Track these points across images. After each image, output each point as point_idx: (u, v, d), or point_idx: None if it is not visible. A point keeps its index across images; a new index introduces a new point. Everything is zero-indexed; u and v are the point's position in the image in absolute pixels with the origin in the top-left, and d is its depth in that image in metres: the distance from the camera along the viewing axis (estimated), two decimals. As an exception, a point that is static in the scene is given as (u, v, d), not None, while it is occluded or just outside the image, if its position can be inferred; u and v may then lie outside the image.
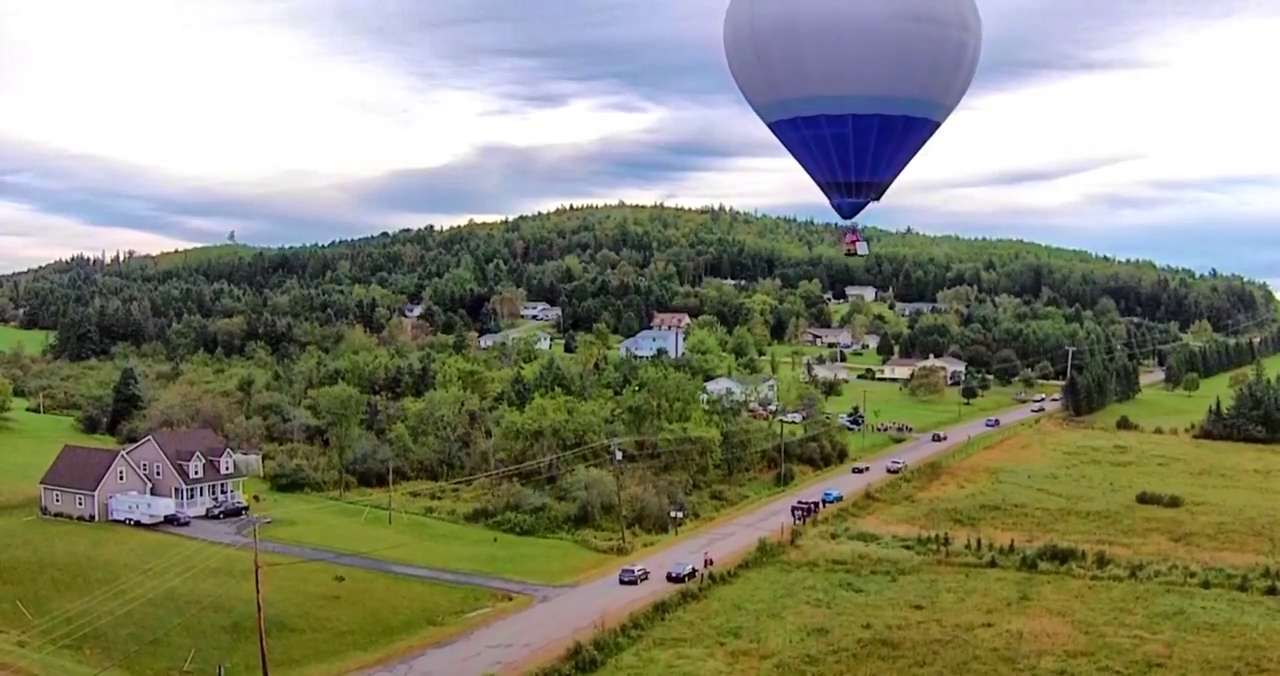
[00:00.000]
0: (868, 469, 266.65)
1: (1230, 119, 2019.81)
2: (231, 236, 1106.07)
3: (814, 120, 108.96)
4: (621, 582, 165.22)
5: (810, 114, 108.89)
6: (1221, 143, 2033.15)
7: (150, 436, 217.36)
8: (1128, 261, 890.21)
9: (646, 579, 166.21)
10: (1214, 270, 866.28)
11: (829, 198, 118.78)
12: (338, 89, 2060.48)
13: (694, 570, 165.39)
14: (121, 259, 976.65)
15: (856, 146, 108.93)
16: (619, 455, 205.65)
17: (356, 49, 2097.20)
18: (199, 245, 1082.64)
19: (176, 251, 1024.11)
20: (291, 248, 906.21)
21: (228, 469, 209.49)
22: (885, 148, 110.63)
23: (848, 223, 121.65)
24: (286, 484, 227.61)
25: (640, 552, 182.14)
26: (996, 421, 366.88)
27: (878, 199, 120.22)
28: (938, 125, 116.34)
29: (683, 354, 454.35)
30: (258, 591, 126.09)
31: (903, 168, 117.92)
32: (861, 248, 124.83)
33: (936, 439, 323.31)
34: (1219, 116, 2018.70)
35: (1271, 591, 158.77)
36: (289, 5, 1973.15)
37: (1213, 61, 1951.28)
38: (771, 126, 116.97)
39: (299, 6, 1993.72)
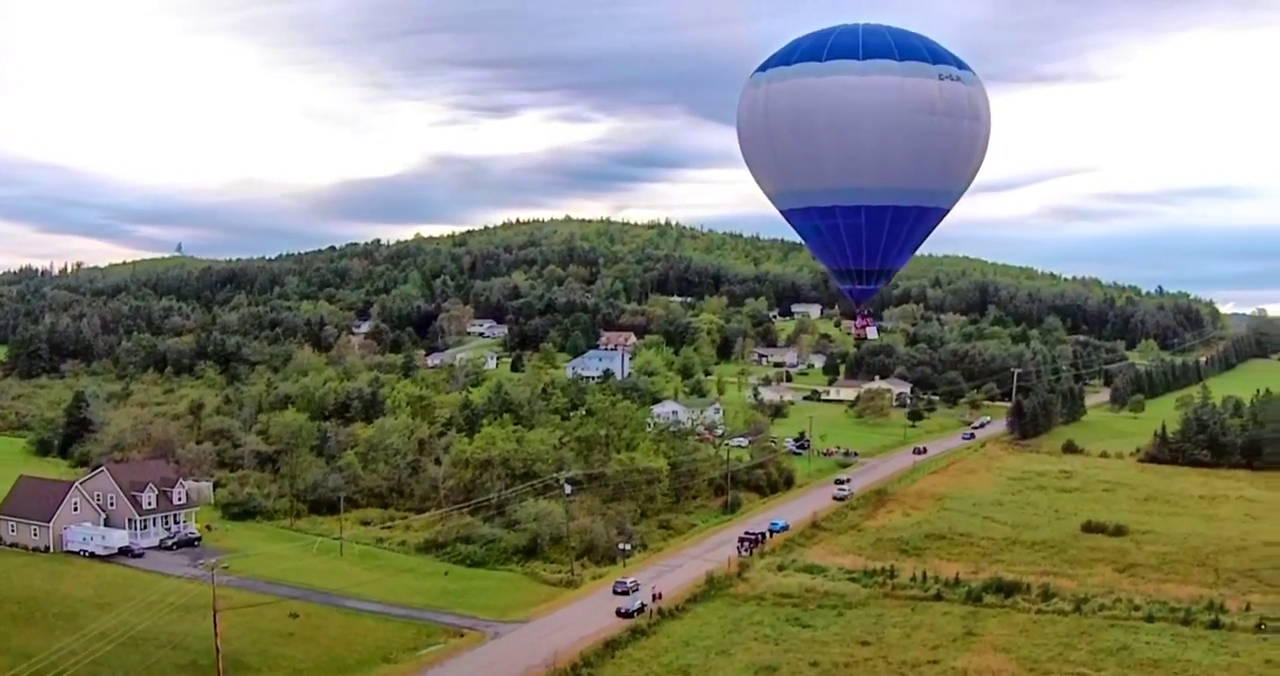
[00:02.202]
0: (849, 480, 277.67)
1: (1184, 131, 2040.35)
2: (179, 248, 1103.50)
3: (828, 211, 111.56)
4: (615, 594, 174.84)
5: (824, 205, 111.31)
6: (1175, 155, 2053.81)
7: (104, 467, 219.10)
8: (1074, 278, 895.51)
9: (639, 590, 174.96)
10: (1160, 287, 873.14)
11: (839, 283, 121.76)
12: (293, 99, 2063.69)
13: (643, 605, 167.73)
14: (70, 270, 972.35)
15: (869, 237, 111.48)
16: (569, 489, 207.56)
17: (312, 59, 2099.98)
18: (148, 256, 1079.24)
19: (125, 263, 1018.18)
20: (239, 260, 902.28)
21: (180, 499, 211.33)
22: (897, 237, 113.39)
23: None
24: (239, 512, 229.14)
25: (590, 586, 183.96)
26: (972, 435, 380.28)
27: (887, 283, 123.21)
28: (947, 211, 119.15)
29: (629, 375, 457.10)
30: (216, 635, 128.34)
31: (912, 254, 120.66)
32: (871, 332, 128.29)
33: (918, 451, 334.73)
34: (1173, 129, 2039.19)
35: (1215, 625, 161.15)
36: (245, 15, 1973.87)
37: (1167, 74, 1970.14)
38: (784, 213, 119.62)
39: (255, 17, 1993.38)
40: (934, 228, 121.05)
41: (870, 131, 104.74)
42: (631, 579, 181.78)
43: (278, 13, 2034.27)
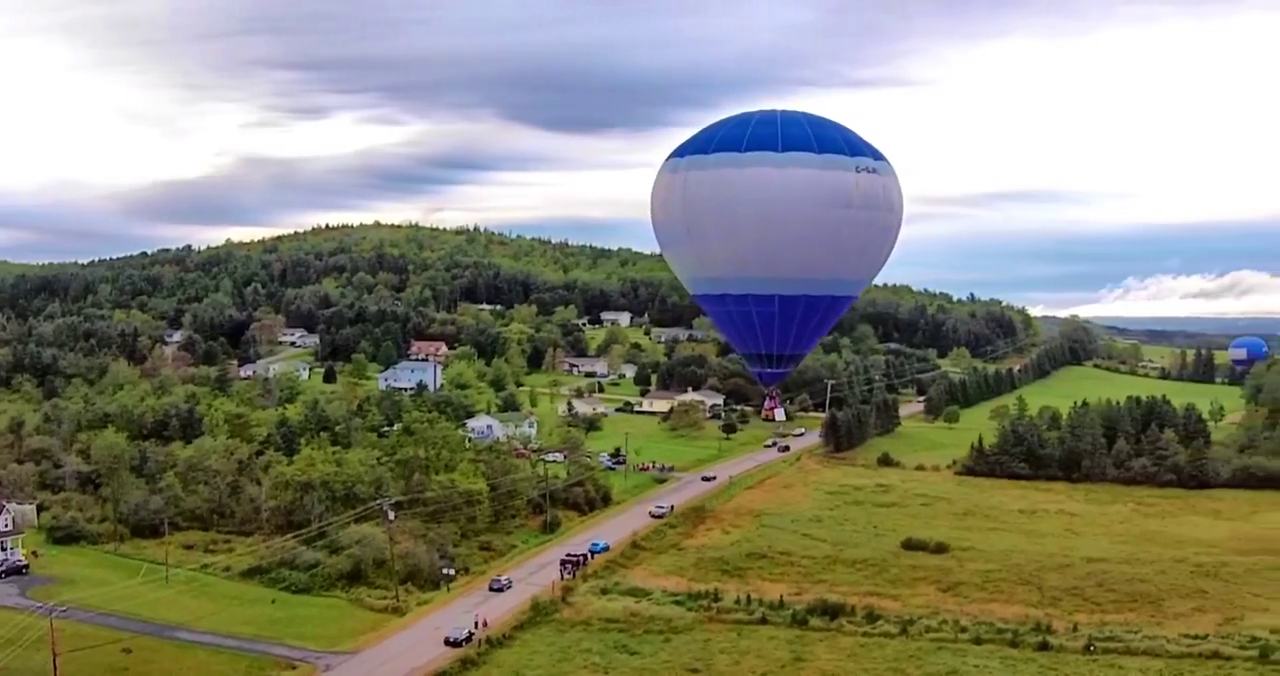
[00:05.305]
0: (715, 478, 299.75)
1: (996, 136, 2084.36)
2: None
3: (742, 298, 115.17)
4: (491, 590, 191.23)
5: (739, 292, 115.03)
6: (987, 159, 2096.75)
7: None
8: (885, 286, 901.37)
9: (511, 587, 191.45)
10: (972, 295, 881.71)
11: (749, 366, 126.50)
12: (108, 100, 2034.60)
13: (470, 633, 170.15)
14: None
15: (781, 324, 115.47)
16: (391, 516, 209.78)
17: (128, 60, 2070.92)
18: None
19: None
20: (53, 265, 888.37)
21: (6, 525, 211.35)
22: (808, 325, 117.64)
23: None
24: (63, 537, 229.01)
25: (416, 612, 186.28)
26: (799, 434, 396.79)
27: (795, 367, 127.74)
28: (856, 298, 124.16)
29: (442, 387, 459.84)
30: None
31: (820, 338, 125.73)
32: (779, 414, 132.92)
33: (782, 450, 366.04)
34: (985, 133, 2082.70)
35: (1043, 647, 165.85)
36: (63, 16, 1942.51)
37: (980, 80, 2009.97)
38: (695, 297, 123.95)
39: (73, 18, 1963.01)
40: (842, 314, 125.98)
41: (788, 224, 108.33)
42: (505, 577, 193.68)
43: (94, 14, 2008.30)
